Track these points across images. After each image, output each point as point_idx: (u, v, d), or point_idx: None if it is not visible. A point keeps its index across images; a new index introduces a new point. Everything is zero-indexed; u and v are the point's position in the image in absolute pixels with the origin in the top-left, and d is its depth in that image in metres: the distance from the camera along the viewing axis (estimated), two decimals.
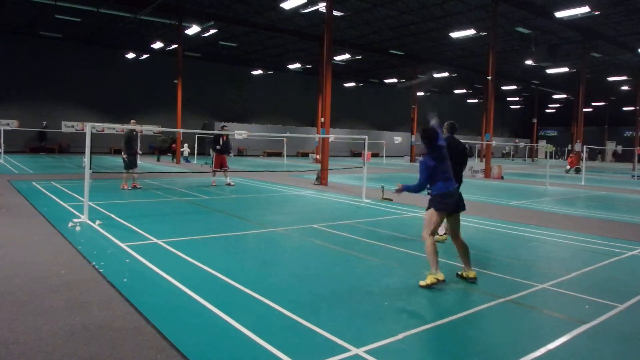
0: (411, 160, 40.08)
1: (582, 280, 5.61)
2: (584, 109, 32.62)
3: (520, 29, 29.32)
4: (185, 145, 30.41)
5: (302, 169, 25.19)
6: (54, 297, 4.45)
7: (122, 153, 13.17)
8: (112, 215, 8.87)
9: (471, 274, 5.30)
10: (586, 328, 4.10)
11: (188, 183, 15.77)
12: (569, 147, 46.65)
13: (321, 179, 16.82)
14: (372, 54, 37.98)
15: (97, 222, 8.03)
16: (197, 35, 30.58)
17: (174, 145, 29.65)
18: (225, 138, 14.92)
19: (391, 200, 12.47)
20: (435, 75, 37.68)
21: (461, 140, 7.51)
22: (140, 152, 14.49)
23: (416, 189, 5.22)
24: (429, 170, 5.08)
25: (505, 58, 38.20)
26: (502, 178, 22.72)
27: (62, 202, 10.31)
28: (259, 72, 43.92)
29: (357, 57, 38.28)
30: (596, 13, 24.38)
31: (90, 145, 8.33)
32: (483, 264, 6.12)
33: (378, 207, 11.53)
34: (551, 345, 3.71)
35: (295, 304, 4.44)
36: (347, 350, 3.49)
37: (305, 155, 43.18)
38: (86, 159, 8.46)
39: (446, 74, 42.99)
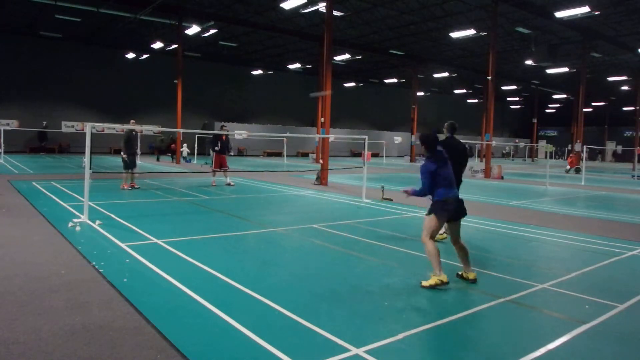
0: (411, 160, 40.09)
1: (582, 280, 5.61)
2: (584, 109, 32.62)
3: (520, 29, 29.33)
4: (184, 145, 30.40)
5: (302, 169, 25.19)
6: (54, 297, 4.45)
7: (122, 153, 13.19)
8: (112, 215, 8.87)
9: (471, 275, 5.30)
10: (586, 328, 4.10)
11: (188, 183, 15.77)
12: (569, 147, 46.67)
13: (321, 179, 16.82)
14: (372, 54, 37.99)
15: (97, 222, 8.03)
16: (197, 35, 30.59)
17: (173, 145, 29.63)
18: (224, 138, 14.93)
19: (391, 200, 12.47)
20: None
21: (461, 141, 7.53)
22: (138, 153, 14.49)
23: (421, 193, 5.26)
24: (431, 175, 5.09)
25: (505, 58, 38.21)
26: (502, 178, 22.72)
27: (62, 202, 10.31)
28: (259, 72, 43.93)
29: (357, 57, 38.29)
30: (596, 13, 24.39)
31: (90, 145, 8.33)
32: (483, 264, 6.12)
33: (378, 207, 11.53)
34: (551, 345, 3.71)
35: (295, 304, 4.44)
36: (347, 350, 3.49)
37: (305, 155, 43.18)
38: (86, 159, 8.46)
39: (446, 74, 43.02)
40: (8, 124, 33.15)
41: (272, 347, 3.49)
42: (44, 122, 34.96)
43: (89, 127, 8.43)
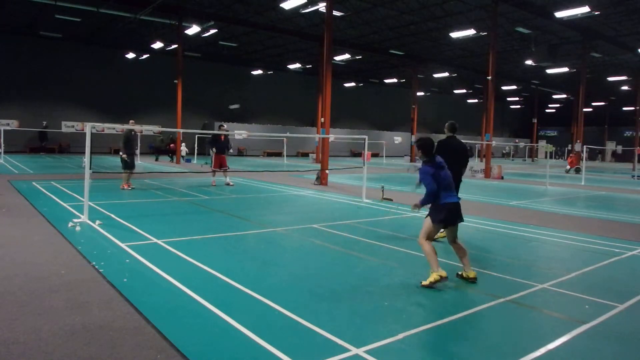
0: (411, 160, 40.07)
1: (582, 280, 5.62)
2: (584, 109, 32.62)
3: (520, 29, 29.32)
4: (183, 144, 30.38)
5: (302, 169, 25.19)
6: (54, 297, 4.45)
7: (121, 153, 13.18)
8: (112, 215, 8.87)
9: (471, 274, 5.31)
10: (586, 328, 4.10)
11: (188, 183, 15.77)
12: (569, 147, 46.66)
13: (321, 179, 16.82)
14: (372, 54, 37.99)
15: (97, 222, 8.03)
16: (197, 35, 30.59)
17: (172, 145, 29.63)
18: (223, 138, 14.94)
19: (391, 200, 12.47)
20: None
21: (461, 141, 7.51)
22: (137, 153, 14.50)
23: (429, 198, 5.16)
24: (433, 176, 5.11)
25: (505, 58, 38.21)
26: (502, 178, 22.72)
27: (62, 202, 10.31)
28: (259, 72, 43.92)
29: (357, 57, 38.28)
30: (596, 13, 24.39)
31: (90, 145, 8.33)
32: (483, 264, 6.13)
33: (378, 207, 11.53)
34: (551, 345, 3.71)
35: (295, 304, 4.44)
36: (347, 350, 3.49)
37: (305, 155, 43.19)
38: (86, 159, 8.46)
39: (446, 74, 43.02)
40: (8, 124, 33.14)
41: (272, 347, 3.49)
42: (44, 122, 34.95)
43: (89, 127, 8.43)
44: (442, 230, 7.28)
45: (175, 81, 28.64)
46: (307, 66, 43.88)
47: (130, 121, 13.84)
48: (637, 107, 40.08)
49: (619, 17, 27.06)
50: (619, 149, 44.99)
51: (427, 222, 5.25)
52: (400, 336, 3.78)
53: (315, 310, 4.33)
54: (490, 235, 8.35)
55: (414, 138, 38.95)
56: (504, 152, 64.79)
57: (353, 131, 48.02)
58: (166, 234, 7.38)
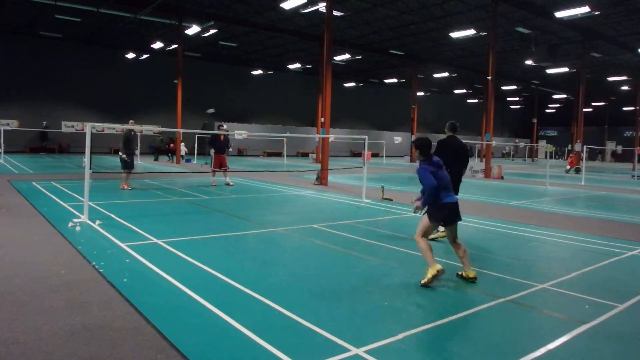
0: (411, 160, 40.06)
1: (582, 280, 5.61)
2: (584, 109, 32.62)
3: (520, 29, 29.33)
4: (182, 144, 30.38)
5: (302, 169, 25.20)
6: (54, 297, 4.45)
7: (121, 153, 13.18)
8: (112, 215, 8.87)
9: (471, 274, 5.32)
10: (586, 328, 4.10)
11: (188, 183, 15.77)
12: (569, 147, 46.66)
13: (321, 179, 16.82)
14: (372, 54, 37.99)
15: (97, 222, 8.03)
16: (197, 35, 30.59)
17: (172, 145, 29.63)
18: (222, 138, 14.93)
19: (391, 200, 12.47)
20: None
21: (462, 141, 7.49)
22: (136, 154, 14.49)
23: (430, 196, 5.16)
24: (432, 174, 5.12)
25: (505, 58, 38.20)
26: (502, 178, 22.73)
27: (62, 202, 10.31)
28: (259, 72, 43.92)
29: (357, 57, 38.28)
30: (596, 13, 24.40)
31: (90, 145, 8.33)
32: (483, 264, 6.13)
33: (378, 207, 11.53)
34: (551, 345, 3.71)
35: (295, 304, 4.44)
36: (347, 350, 3.49)
37: (305, 155, 43.19)
38: (86, 159, 8.46)
39: (446, 74, 43.03)
40: (8, 124, 33.15)
41: (272, 347, 3.49)
42: (44, 122, 34.97)
43: (89, 127, 8.43)
44: (442, 230, 7.35)
45: (175, 81, 28.64)
46: (307, 66, 43.88)
47: (130, 121, 13.84)
48: (637, 107, 40.08)
49: (619, 17, 27.06)
50: (619, 149, 45.01)
51: (425, 220, 5.30)
52: (400, 336, 3.78)
53: (315, 310, 4.33)
54: (490, 235, 8.35)
55: (414, 138, 38.94)
56: (504, 152, 64.79)
57: (353, 131, 48.01)
58: (166, 234, 7.38)
